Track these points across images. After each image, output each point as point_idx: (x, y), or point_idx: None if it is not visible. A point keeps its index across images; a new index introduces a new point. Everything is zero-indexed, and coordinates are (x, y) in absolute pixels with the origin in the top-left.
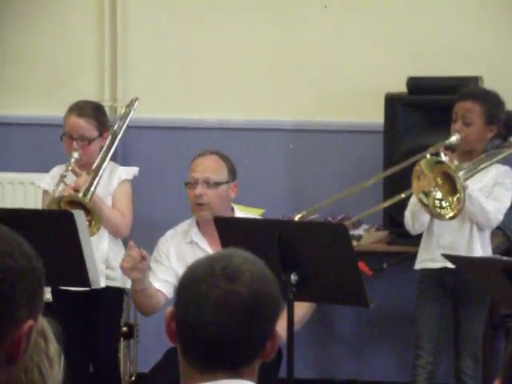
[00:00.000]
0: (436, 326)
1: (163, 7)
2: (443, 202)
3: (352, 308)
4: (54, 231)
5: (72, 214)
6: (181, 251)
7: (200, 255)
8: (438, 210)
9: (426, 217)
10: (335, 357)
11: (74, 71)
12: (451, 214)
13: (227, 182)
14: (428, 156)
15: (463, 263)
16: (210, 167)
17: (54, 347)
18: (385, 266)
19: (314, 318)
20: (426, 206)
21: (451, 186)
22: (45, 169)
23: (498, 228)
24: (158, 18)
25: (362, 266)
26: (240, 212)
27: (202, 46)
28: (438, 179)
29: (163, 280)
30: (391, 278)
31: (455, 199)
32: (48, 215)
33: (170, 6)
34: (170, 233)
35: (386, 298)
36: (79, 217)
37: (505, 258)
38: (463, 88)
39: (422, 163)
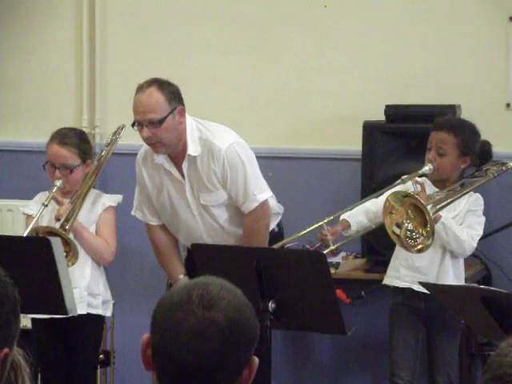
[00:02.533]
0: (411, 353)
1: (141, 33)
2: (413, 234)
3: (329, 335)
4: (30, 258)
5: (49, 241)
6: (151, 172)
7: (166, 177)
8: (409, 241)
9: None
10: None
11: (53, 98)
12: (419, 247)
13: (171, 112)
14: (394, 190)
15: (440, 291)
16: (149, 106)
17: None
18: (363, 293)
19: (292, 345)
20: (398, 236)
21: (422, 218)
22: (26, 196)
23: (476, 256)
24: (137, 44)
25: (339, 293)
26: (192, 133)
27: (181, 73)
28: (409, 212)
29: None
30: (369, 306)
31: (424, 232)
32: (25, 242)
33: (148, 33)
34: (140, 154)
35: (364, 325)
36: (56, 244)
37: (482, 286)
38: (439, 117)
39: (390, 198)
